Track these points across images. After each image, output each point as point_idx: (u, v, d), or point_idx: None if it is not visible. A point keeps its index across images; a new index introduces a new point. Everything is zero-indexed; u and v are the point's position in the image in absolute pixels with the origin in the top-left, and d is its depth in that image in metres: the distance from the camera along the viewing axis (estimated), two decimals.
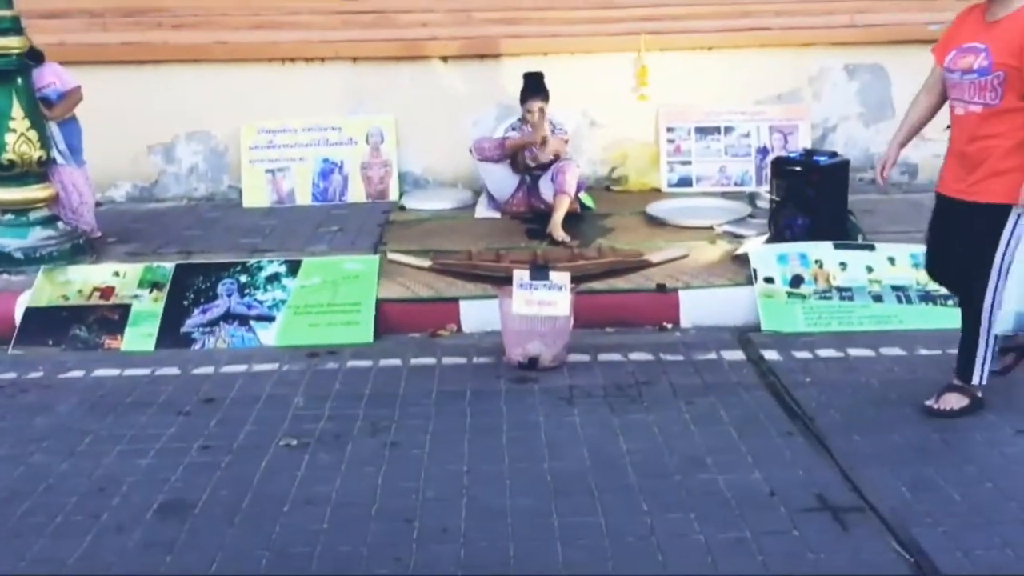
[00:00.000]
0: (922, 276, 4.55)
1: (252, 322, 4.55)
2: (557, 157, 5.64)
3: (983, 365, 3.48)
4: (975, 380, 3.50)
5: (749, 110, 6.50)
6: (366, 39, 6.47)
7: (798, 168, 4.96)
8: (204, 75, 6.41)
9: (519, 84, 5.88)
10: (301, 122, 6.47)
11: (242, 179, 6.45)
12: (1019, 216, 3.28)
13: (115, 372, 4.16)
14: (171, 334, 4.49)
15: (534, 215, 5.72)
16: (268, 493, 3.14)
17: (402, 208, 6.18)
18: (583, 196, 5.78)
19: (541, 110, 5.60)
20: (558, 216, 5.35)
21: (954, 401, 3.53)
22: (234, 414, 3.71)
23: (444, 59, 6.47)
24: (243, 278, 4.74)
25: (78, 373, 4.17)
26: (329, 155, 6.45)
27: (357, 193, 6.43)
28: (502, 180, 5.85)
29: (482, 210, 5.99)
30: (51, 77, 5.30)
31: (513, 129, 5.82)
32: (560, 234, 5.25)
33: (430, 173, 6.64)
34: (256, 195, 6.39)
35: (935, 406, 3.53)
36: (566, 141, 5.75)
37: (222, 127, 6.51)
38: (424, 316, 4.57)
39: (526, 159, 5.69)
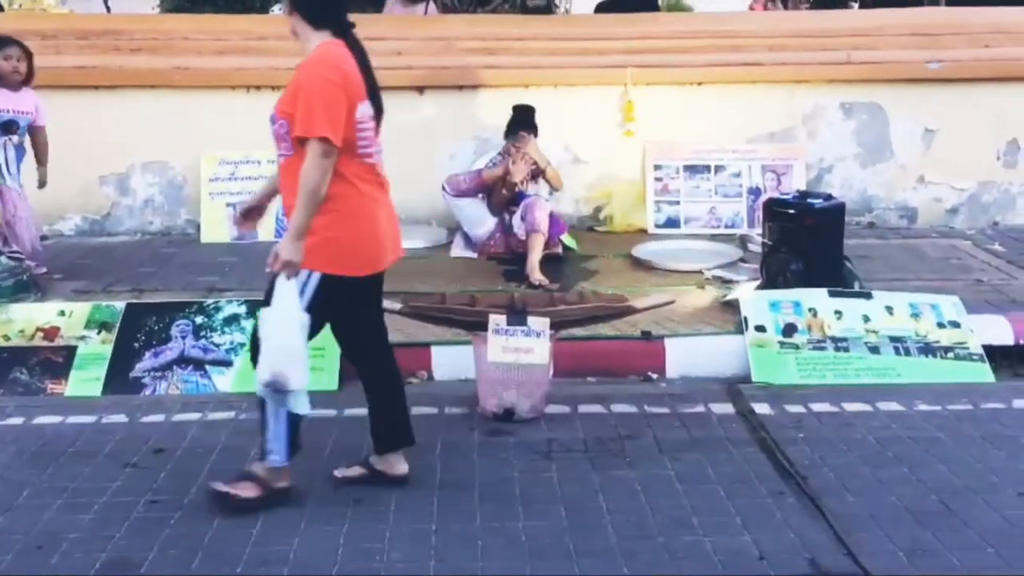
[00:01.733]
0: (922, 327, 4.64)
1: (208, 367, 4.53)
2: (537, 175, 5.72)
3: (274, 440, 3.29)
4: (272, 459, 3.31)
5: (740, 148, 6.60)
6: None
7: (792, 210, 5.03)
8: (163, 102, 6.45)
9: (499, 116, 5.95)
10: (265, 153, 6.48)
11: (201, 213, 6.46)
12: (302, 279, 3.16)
13: (57, 419, 4.13)
14: (120, 379, 4.47)
15: (513, 256, 5.75)
16: (220, 553, 3.11)
17: None
18: (565, 238, 5.83)
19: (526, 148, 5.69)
20: (534, 257, 5.40)
21: (244, 488, 3.32)
22: (186, 466, 3.68)
23: (419, 89, 6.53)
24: (199, 319, 4.73)
25: (17, 420, 4.13)
26: None
27: None
28: (477, 218, 5.89)
29: (457, 250, 6.03)
30: (31, 105, 5.37)
31: (493, 164, 5.87)
32: (538, 277, 5.29)
33: (402, 210, 6.49)
34: (215, 230, 6.39)
35: (222, 488, 3.30)
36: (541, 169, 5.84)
37: (181, 157, 6.53)
38: None
39: (503, 191, 5.74)
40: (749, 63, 6.59)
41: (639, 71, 6.49)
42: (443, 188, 5.88)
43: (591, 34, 6.67)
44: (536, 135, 5.77)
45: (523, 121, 5.75)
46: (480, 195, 5.89)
